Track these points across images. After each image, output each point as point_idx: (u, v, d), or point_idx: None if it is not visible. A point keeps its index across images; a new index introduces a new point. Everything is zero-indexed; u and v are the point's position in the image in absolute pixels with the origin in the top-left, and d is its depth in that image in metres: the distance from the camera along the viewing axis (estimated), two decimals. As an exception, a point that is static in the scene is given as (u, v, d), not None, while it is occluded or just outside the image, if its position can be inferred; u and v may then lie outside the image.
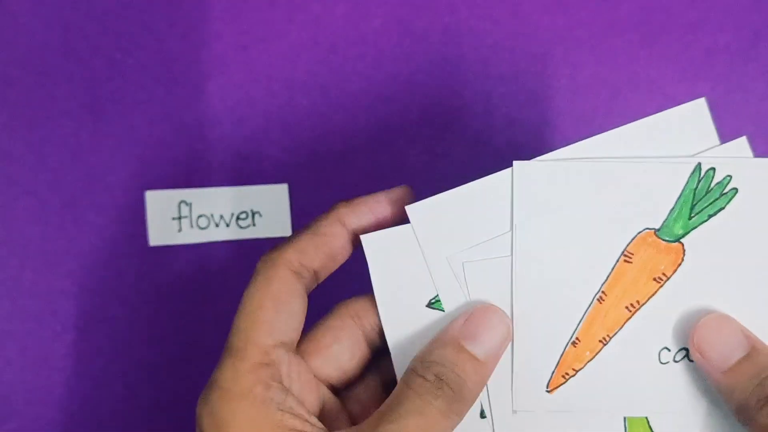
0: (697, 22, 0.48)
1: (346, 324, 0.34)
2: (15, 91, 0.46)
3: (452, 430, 0.31)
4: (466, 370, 0.32)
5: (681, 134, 0.33)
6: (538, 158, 0.33)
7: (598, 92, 0.47)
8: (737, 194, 0.32)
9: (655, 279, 0.33)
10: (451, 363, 0.32)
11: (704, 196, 0.32)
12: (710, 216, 0.32)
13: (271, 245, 0.46)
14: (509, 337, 0.33)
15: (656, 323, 0.33)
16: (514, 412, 0.34)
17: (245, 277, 0.46)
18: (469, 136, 0.47)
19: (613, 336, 0.33)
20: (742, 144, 0.33)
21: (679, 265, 0.33)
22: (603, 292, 0.33)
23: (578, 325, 0.33)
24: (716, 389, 0.32)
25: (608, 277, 0.33)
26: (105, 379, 0.45)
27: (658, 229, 0.33)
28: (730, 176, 0.32)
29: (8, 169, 0.46)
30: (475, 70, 0.47)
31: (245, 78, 0.47)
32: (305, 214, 0.47)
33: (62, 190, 0.46)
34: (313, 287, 0.35)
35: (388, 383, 0.36)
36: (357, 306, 0.35)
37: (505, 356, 0.33)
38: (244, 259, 0.46)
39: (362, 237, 0.34)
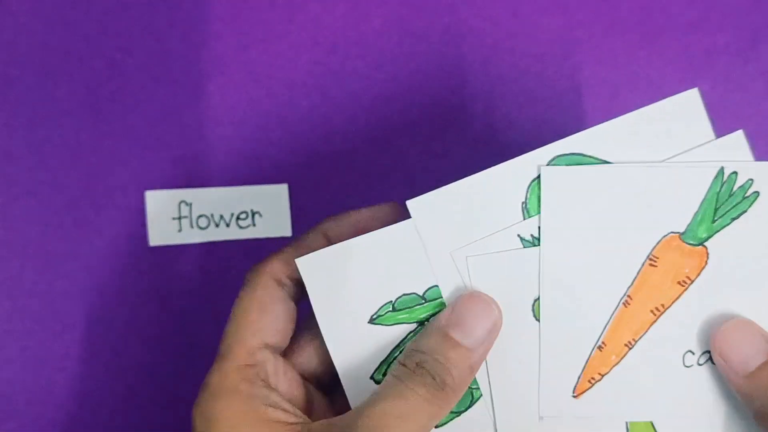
0: (697, 22, 0.48)
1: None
2: (15, 91, 0.46)
3: (439, 417, 0.32)
4: (450, 357, 0.32)
5: (674, 125, 0.33)
6: (536, 151, 0.33)
7: (598, 92, 0.47)
8: (759, 197, 0.32)
9: (679, 282, 0.33)
10: (434, 351, 0.32)
11: (727, 200, 0.33)
12: (733, 219, 0.33)
13: (271, 245, 0.46)
14: (498, 324, 0.33)
15: (680, 326, 0.33)
16: (541, 418, 0.34)
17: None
18: (469, 136, 0.47)
19: (638, 340, 0.33)
20: (739, 137, 0.33)
21: (703, 268, 0.33)
22: (629, 296, 0.33)
23: (604, 329, 0.33)
24: (737, 394, 0.32)
25: (634, 281, 0.33)
26: (105, 379, 0.45)
27: (683, 233, 0.33)
28: (752, 180, 0.32)
29: (8, 169, 0.46)
30: (475, 70, 0.47)
31: (245, 78, 0.47)
32: (305, 214, 0.47)
33: (62, 190, 0.46)
34: (300, 296, 0.35)
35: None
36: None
37: (534, 361, 0.34)
38: (244, 259, 0.46)
39: (297, 260, 0.34)
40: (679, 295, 0.33)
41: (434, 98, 0.47)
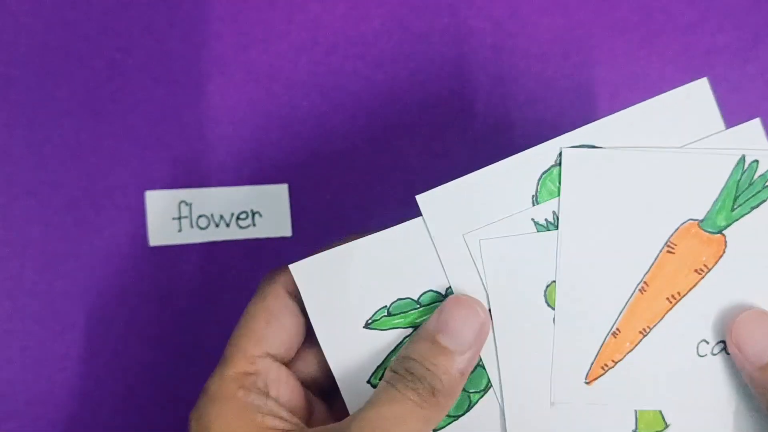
0: (697, 22, 0.48)
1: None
2: (15, 91, 0.46)
3: (434, 421, 0.32)
4: (439, 363, 0.32)
5: (684, 115, 0.33)
6: (547, 143, 0.33)
7: (598, 92, 0.47)
8: None
9: (696, 270, 0.33)
10: (422, 357, 0.32)
11: (747, 188, 0.32)
12: (753, 208, 0.32)
13: (271, 245, 0.46)
14: (486, 326, 0.33)
15: (696, 315, 0.33)
16: (552, 404, 0.34)
17: (245, 277, 0.47)
18: (469, 136, 0.47)
19: (653, 327, 0.33)
20: (755, 126, 0.33)
21: (721, 256, 0.33)
22: (645, 282, 0.33)
23: (619, 315, 0.33)
24: (750, 385, 0.32)
25: (651, 267, 0.33)
26: (105, 379, 0.45)
27: (702, 221, 0.33)
28: None
29: (8, 169, 0.46)
30: (475, 70, 0.47)
31: (245, 78, 0.47)
32: (305, 214, 0.47)
33: (62, 190, 0.46)
34: None
35: None
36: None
37: (546, 347, 0.33)
38: (244, 259, 0.46)
39: (291, 266, 0.34)
40: (696, 284, 0.33)
41: (434, 98, 0.47)
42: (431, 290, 0.34)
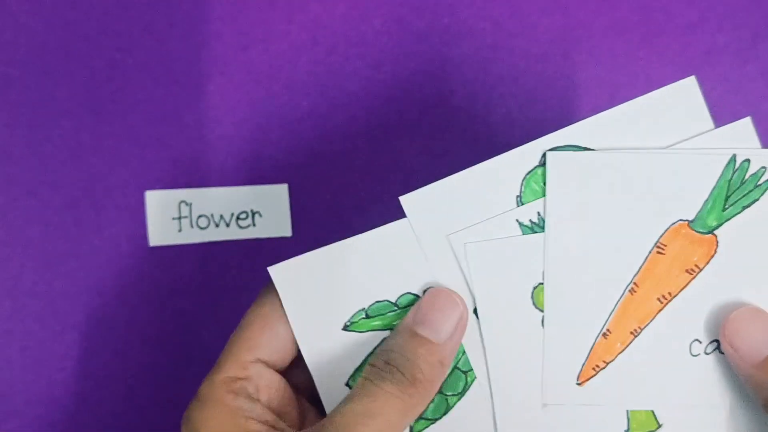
0: (697, 22, 0.48)
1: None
2: (15, 91, 0.46)
3: (411, 414, 0.32)
4: (418, 353, 0.32)
5: (672, 114, 0.33)
6: (531, 143, 0.33)
7: (598, 92, 0.47)
8: None
9: (687, 271, 0.33)
10: (402, 348, 0.32)
11: (738, 188, 0.32)
12: (744, 207, 0.32)
13: (271, 245, 0.46)
14: (464, 316, 0.33)
15: (688, 315, 0.33)
16: (544, 406, 0.34)
17: (245, 277, 0.47)
18: (469, 136, 0.47)
19: (644, 328, 0.33)
20: (746, 124, 0.32)
21: (712, 256, 0.33)
22: (635, 283, 0.33)
23: (609, 316, 0.33)
24: (746, 383, 0.32)
25: (640, 268, 0.33)
26: (105, 379, 0.45)
27: (692, 221, 0.33)
28: (765, 168, 0.32)
29: (8, 169, 0.46)
30: (475, 70, 0.47)
31: (245, 78, 0.47)
32: (305, 214, 0.47)
33: (62, 190, 0.46)
34: None
35: None
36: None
37: (534, 349, 0.33)
38: (244, 259, 0.46)
39: (270, 269, 0.34)
40: (687, 284, 0.33)
41: (434, 98, 0.47)
42: (409, 293, 0.34)
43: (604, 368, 0.33)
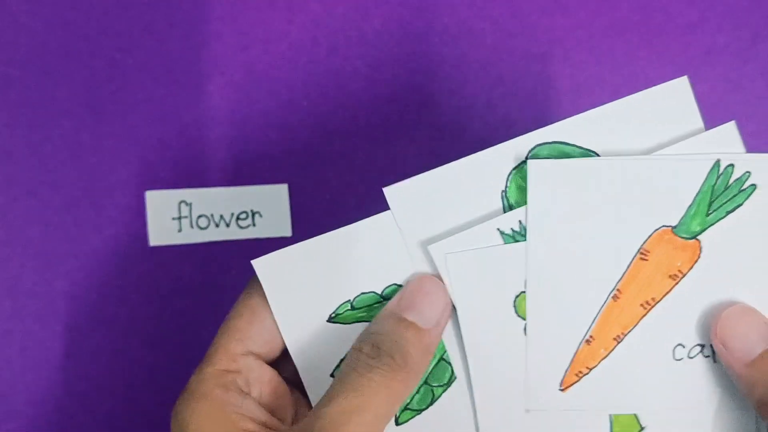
0: (697, 22, 0.48)
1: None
2: (15, 91, 0.46)
3: (397, 403, 0.31)
4: (407, 337, 0.31)
5: (662, 114, 0.33)
6: (517, 138, 0.33)
7: (598, 92, 0.47)
8: (756, 190, 0.32)
9: (671, 276, 0.33)
10: (390, 332, 0.32)
11: (723, 193, 0.32)
12: (728, 212, 0.32)
13: (271, 245, 0.46)
14: (449, 304, 0.33)
15: (671, 320, 0.33)
16: (527, 411, 0.34)
17: (245, 277, 0.46)
18: (469, 136, 0.47)
19: (627, 333, 0.33)
20: (731, 129, 0.32)
21: (696, 261, 0.32)
22: (618, 289, 0.33)
23: (592, 322, 0.33)
24: (737, 382, 0.32)
25: (624, 274, 0.33)
26: (105, 379, 0.45)
27: (675, 226, 0.32)
28: (749, 172, 0.32)
29: (8, 169, 0.46)
30: (475, 70, 0.47)
31: (245, 78, 0.47)
32: (305, 214, 0.47)
33: (62, 190, 0.46)
34: None
35: None
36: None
37: (517, 357, 0.33)
38: (244, 259, 0.46)
39: (253, 262, 0.34)
40: (671, 289, 0.33)
41: (434, 98, 0.47)
42: (395, 284, 0.34)
43: (587, 374, 0.33)
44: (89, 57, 0.46)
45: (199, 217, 0.46)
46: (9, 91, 0.46)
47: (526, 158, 0.33)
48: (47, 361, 0.45)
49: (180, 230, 0.46)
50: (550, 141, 0.33)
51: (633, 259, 0.33)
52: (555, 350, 0.33)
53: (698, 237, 0.32)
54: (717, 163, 0.32)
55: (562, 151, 0.33)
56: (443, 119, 0.47)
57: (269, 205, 0.46)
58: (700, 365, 0.33)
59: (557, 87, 0.47)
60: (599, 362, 0.33)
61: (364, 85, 0.47)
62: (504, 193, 0.33)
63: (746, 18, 0.48)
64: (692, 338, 0.33)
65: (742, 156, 0.32)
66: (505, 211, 0.33)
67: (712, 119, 0.33)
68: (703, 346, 0.33)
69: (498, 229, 0.33)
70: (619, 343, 0.33)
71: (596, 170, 0.32)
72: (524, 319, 0.33)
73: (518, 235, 0.33)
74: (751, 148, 0.33)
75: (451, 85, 0.47)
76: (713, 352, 0.33)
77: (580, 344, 0.33)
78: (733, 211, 0.32)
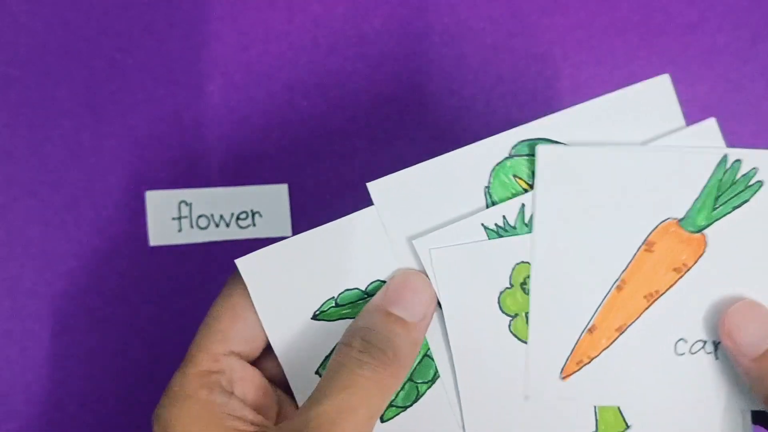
0: (697, 22, 0.48)
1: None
2: (15, 91, 0.46)
3: (387, 399, 0.31)
4: (397, 331, 0.31)
5: (644, 111, 0.33)
6: (501, 134, 0.33)
7: (598, 92, 0.47)
8: (762, 187, 0.32)
9: (675, 269, 0.33)
10: (379, 326, 0.31)
11: (729, 188, 0.32)
12: (734, 208, 0.32)
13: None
14: (434, 298, 0.33)
15: (674, 314, 0.33)
16: (527, 398, 0.34)
17: (245, 277, 0.46)
18: (469, 136, 0.47)
19: (629, 325, 0.33)
20: (711, 125, 0.32)
21: (701, 256, 0.32)
22: (622, 280, 0.33)
23: (595, 312, 0.33)
24: (745, 377, 0.32)
25: (628, 265, 0.33)
26: (105, 379, 0.45)
27: (681, 219, 0.32)
28: (756, 168, 0.32)
29: (8, 169, 0.46)
30: (475, 70, 0.47)
31: (245, 78, 0.47)
32: (305, 214, 0.47)
33: (62, 190, 0.46)
34: None
35: None
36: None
37: (501, 350, 0.33)
38: (244, 259, 0.46)
39: (237, 261, 0.33)
40: (675, 282, 0.33)
41: (434, 98, 0.47)
42: (378, 280, 0.34)
43: (587, 363, 0.33)
44: (89, 57, 0.46)
45: (199, 217, 0.46)
46: (9, 91, 0.46)
47: (509, 155, 0.33)
48: (47, 361, 0.45)
49: (180, 230, 0.46)
50: (533, 138, 0.33)
51: (638, 250, 0.33)
52: (557, 338, 0.33)
53: (704, 231, 0.32)
54: (725, 158, 0.32)
55: None
56: (443, 119, 0.47)
57: (269, 205, 0.46)
58: (701, 361, 0.33)
59: (557, 87, 0.47)
60: (600, 352, 0.33)
61: (364, 85, 0.47)
62: (487, 189, 0.33)
63: (746, 18, 0.48)
64: (695, 333, 0.33)
65: (749, 152, 0.32)
66: (488, 207, 0.33)
67: (683, 106, 0.33)
68: (705, 342, 0.33)
69: (482, 224, 0.33)
70: (621, 334, 0.33)
71: (606, 158, 0.32)
72: (509, 315, 0.33)
73: (502, 231, 0.33)
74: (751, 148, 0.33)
75: (451, 85, 0.47)
76: (715, 348, 0.33)
77: (582, 333, 0.33)
78: (739, 206, 0.32)
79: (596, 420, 0.34)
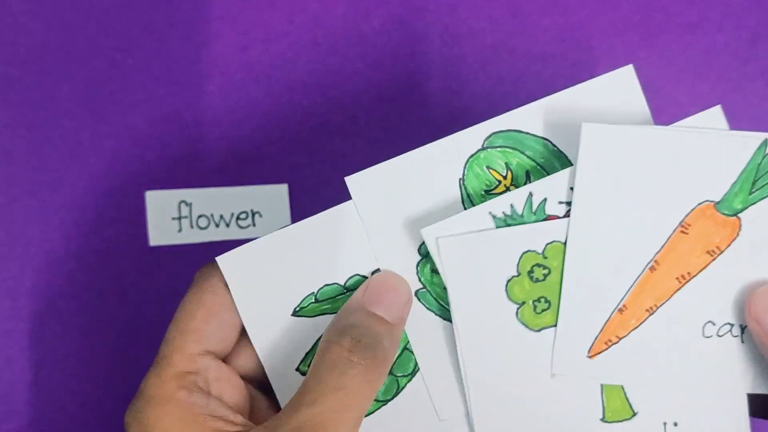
0: (697, 22, 0.48)
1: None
2: (15, 91, 0.46)
3: (373, 397, 0.31)
4: (380, 330, 0.32)
5: (610, 102, 0.33)
6: (474, 127, 0.33)
7: (598, 92, 0.47)
8: None
9: (708, 252, 0.33)
10: (366, 326, 0.32)
11: (767, 173, 0.32)
12: None
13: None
14: (411, 301, 0.33)
15: (704, 296, 0.33)
16: (553, 375, 0.34)
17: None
18: (469, 136, 0.47)
19: (660, 306, 0.33)
20: (716, 113, 0.33)
21: (734, 239, 0.32)
22: (656, 261, 0.33)
23: (627, 292, 0.33)
24: None
25: (663, 246, 0.33)
26: (105, 379, 0.45)
27: (718, 202, 0.32)
28: None
29: (8, 169, 0.46)
30: (475, 70, 0.47)
31: (245, 78, 0.47)
32: (305, 214, 0.47)
33: (62, 190, 0.46)
34: None
35: None
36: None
37: (508, 338, 0.33)
38: (244, 259, 0.46)
39: (218, 258, 0.33)
40: (707, 265, 0.33)
41: (434, 98, 0.47)
42: (357, 275, 0.34)
43: (616, 343, 0.33)
44: (89, 57, 0.46)
45: (199, 217, 0.46)
46: (9, 91, 0.46)
47: (483, 147, 0.33)
48: (47, 361, 0.45)
49: (180, 230, 0.46)
50: (505, 129, 0.33)
51: (674, 231, 0.33)
52: (587, 316, 0.33)
53: (739, 215, 0.32)
54: (765, 142, 0.32)
55: (517, 139, 0.33)
56: (443, 119, 0.47)
57: (269, 205, 0.46)
58: (728, 345, 0.33)
59: (557, 87, 0.47)
60: (629, 332, 0.33)
61: (364, 85, 0.47)
62: (462, 181, 0.34)
63: (746, 18, 0.48)
64: (723, 316, 0.33)
65: None
66: (463, 200, 0.34)
67: (648, 97, 0.33)
68: (732, 325, 0.33)
69: (490, 213, 0.33)
70: (651, 315, 0.33)
71: (648, 139, 0.32)
72: (516, 303, 0.34)
73: (510, 219, 0.33)
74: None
75: (451, 85, 0.47)
76: (742, 332, 0.33)
77: (612, 312, 0.33)
78: None
79: (603, 407, 0.34)
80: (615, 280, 0.33)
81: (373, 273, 0.34)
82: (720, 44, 0.48)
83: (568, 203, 0.33)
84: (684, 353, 0.33)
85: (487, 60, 0.47)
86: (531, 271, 0.33)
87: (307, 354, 0.34)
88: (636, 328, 0.33)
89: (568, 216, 0.33)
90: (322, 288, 0.34)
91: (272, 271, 0.34)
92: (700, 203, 0.32)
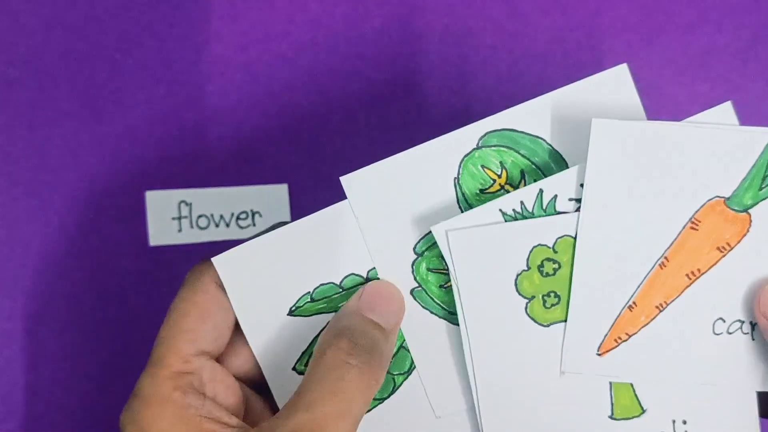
0: (697, 22, 0.48)
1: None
2: (15, 91, 0.46)
3: (370, 401, 0.31)
4: (377, 334, 0.32)
5: (603, 101, 0.33)
6: (468, 126, 0.33)
7: (598, 92, 0.47)
8: None
9: (718, 248, 0.33)
10: (363, 329, 0.32)
11: None
12: None
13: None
14: (404, 309, 0.34)
15: (714, 293, 0.33)
16: (562, 373, 0.34)
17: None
18: (469, 136, 0.47)
19: (670, 303, 0.33)
20: (727, 109, 0.32)
21: (744, 235, 0.32)
22: (666, 257, 0.33)
23: (637, 289, 0.33)
24: None
25: (673, 242, 0.33)
26: (105, 379, 0.45)
27: (728, 198, 0.32)
28: None
29: (8, 169, 0.46)
30: (475, 70, 0.47)
31: (245, 78, 0.47)
32: (305, 214, 0.47)
33: (62, 190, 0.46)
34: None
35: None
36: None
37: (517, 333, 0.33)
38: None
39: (213, 259, 0.33)
40: (717, 261, 0.33)
41: (434, 99, 0.47)
42: (353, 274, 0.34)
43: (626, 340, 0.33)
44: (89, 57, 0.46)
45: (199, 217, 0.46)
46: (9, 91, 0.46)
47: (477, 146, 0.33)
48: (47, 361, 0.45)
49: (180, 230, 0.46)
50: (499, 128, 0.33)
51: (684, 227, 0.32)
52: (597, 314, 0.33)
53: (749, 210, 0.32)
54: None
55: (512, 138, 0.33)
56: (443, 119, 0.47)
57: (269, 205, 0.46)
58: (738, 342, 0.33)
59: (557, 87, 0.47)
60: (639, 330, 0.33)
61: (364, 85, 0.47)
62: (456, 180, 0.34)
63: (746, 18, 0.48)
64: (733, 313, 0.33)
65: None
66: (458, 199, 0.34)
67: (642, 96, 0.33)
68: (743, 322, 0.33)
69: (500, 210, 0.33)
70: (661, 312, 0.33)
71: (657, 134, 0.32)
72: (525, 297, 0.33)
73: (520, 216, 0.33)
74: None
75: (451, 85, 0.47)
76: (752, 329, 0.33)
77: (622, 310, 0.33)
78: None
79: (612, 404, 0.34)
80: (625, 276, 0.33)
81: (368, 272, 0.34)
82: (720, 44, 0.48)
83: (579, 200, 0.33)
84: (694, 350, 0.33)
85: (487, 60, 0.47)
86: (541, 266, 0.33)
87: (303, 353, 0.34)
88: (646, 325, 0.33)
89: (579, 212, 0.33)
90: (317, 287, 0.34)
91: (268, 270, 0.34)
92: (710, 199, 0.32)
